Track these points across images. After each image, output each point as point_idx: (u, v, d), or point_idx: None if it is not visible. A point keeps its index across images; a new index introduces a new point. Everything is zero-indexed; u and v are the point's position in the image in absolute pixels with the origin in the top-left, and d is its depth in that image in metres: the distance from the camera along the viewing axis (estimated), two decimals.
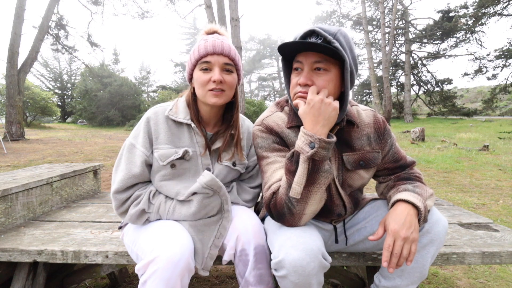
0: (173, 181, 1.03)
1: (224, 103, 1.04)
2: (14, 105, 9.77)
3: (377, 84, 17.69)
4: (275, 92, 40.17)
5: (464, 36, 19.81)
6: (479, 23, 17.65)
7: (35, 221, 1.43)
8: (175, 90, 24.81)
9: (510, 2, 15.78)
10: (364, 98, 27.72)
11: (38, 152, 7.07)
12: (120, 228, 1.16)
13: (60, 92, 28.49)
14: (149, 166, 1.05)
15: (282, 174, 0.91)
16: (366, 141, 1.03)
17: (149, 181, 1.08)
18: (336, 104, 0.86)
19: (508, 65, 17.70)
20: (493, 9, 16.50)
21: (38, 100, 18.11)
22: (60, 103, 27.98)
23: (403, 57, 23.26)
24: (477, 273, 1.79)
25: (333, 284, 1.63)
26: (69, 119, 28.80)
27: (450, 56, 21.41)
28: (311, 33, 0.89)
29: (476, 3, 16.93)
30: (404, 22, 21.82)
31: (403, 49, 22.87)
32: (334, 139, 0.84)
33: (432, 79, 22.87)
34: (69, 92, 29.02)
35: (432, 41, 21.55)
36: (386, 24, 19.15)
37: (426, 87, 23.36)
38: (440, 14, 20.20)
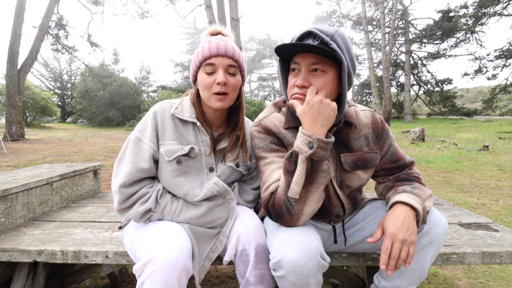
0: (180, 178, 1.03)
1: (228, 106, 1.04)
2: (14, 105, 9.77)
3: (377, 84, 17.70)
4: (275, 92, 40.17)
5: (464, 36, 19.81)
6: (479, 23, 17.64)
7: (35, 221, 1.43)
8: (175, 90, 24.81)
9: (510, 2, 15.77)
10: (364, 98, 27.73)
11: (38, 152, 7.07)
12: (120, 228, 1.16)
13: (60, 92, 28.51)
14: (155, 161, 1.04)
15: (280, 175, 0.91)
16: (364, 141, 1.03)
17: (155, 178, 1.07)
18: (335, 104, 0.86)
19: (508, 65, 17.69)
20: (493, 9, 16.49)
21: (38, 100, 18.10)
22: (60, 103, 27.99)
23: (403, 57, 23.27)
24: (477, 273, 1.80)
25: (333, 284, 1.63)
26: (69, 119, 28.81)
27: (450, 56, 21.41)
28: (309, 34, 0.89)
29: (476, 3, 16.92)
30: (404, 22, 21.81)
31: (403, 49, 22.87)
32: (333, 139, 0.84)
33: (432, 79, 22.87)
34: (69, 92, 29.05)
35: (432, 41, 21.55)
36: (386, 24, 19.16)
37: (426, 87, 23.36)
38: (440, 14, 20.20)
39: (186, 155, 1.02)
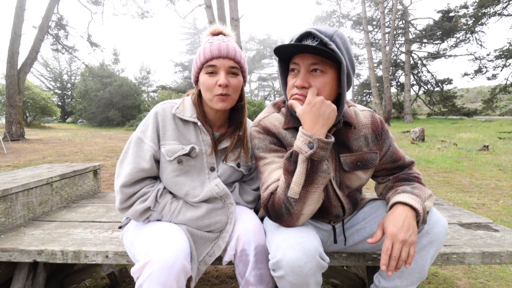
0: (181, 177, 1.03)
1: (230, 107, 1.05)
2: (14, 105, 9.78)
3: (377, 84, 17.69)
4: (275, 92, 40.17)
5: (464, 36, 19.80)
6: (479, 23, 17.64)
7: (35, 221, 1.43)
8: (175, 90, 24.82)
9: (510, 2, 15.77)
10: (364, 98, 27.73)
11: (38, 152, 7.07)
12: (120, 228, 1.16)
13: (60, 92, 28.53)
14: (156, 161, 1.04)
15: (280, 175, 0.91)
16: (364, 142, 1.03)
17: (157, 178, 1.08)
18: (335, 106, 0.87)
19: (508, 65, 17.69)
20: (493, 9, 16.48)
21: (38, 100, 18.09)
22: (60, 103, 28.01)
23: (403, 57, 23.26)
24: (477, 273, 1.80)
25: (333, 284, 1.63)
26: (69, 119, 28.81)
27: (450, 56, 21.40)
28: (308, 34, 0.89)
29: (476, 3, 16.91)
30: (404, 22, 21.81)
31: (403, 49, 22.86)
32: (333, 139, 0.84)
33: (432, 79, 22.86)
34: (69, 92, 29.06)
35: (432, 41, 21.54)
36: (386, 24, 19.16)
37: (426, 87, 23.36)
38: (440, 14, 20.20)
39: (187, 154, 1.02)
